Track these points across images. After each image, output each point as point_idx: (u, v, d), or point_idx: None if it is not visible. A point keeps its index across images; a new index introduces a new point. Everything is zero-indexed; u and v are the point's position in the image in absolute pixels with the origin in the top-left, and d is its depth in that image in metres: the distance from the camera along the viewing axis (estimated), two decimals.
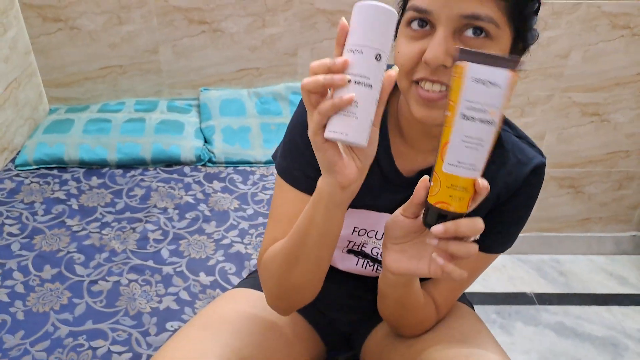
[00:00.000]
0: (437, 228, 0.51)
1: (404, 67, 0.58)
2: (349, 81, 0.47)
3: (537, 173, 0.68)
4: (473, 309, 0.88)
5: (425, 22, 0.57)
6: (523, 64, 0.48)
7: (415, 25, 0.57)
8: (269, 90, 1.61)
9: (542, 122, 1.74)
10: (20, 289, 1.05)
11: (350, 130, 0.48)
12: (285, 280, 0.66)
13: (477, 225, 0.51)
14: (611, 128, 1.76)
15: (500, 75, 0.47)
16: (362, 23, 0.47)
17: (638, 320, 1.70)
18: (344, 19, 0.48)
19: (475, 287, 1.78)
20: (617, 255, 2.00)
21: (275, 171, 1.45)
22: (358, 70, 0.47)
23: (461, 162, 0.50)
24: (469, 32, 0.55)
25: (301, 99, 0.69)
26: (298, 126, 0.69)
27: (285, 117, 1.58)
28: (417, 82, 0.58)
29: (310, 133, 0.50)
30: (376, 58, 0.47)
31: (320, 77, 0.47)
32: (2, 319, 0.99)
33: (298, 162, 0.70)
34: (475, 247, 0.52)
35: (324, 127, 0.49)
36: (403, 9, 0.61)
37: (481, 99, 0.48)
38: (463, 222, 0.51)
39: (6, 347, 0.93)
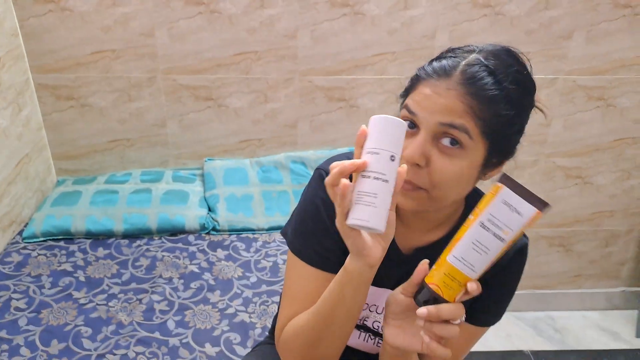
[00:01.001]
0: (421, 311, 0.58)
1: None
2: (369, 177, 0.55)
3: (521, 253, 0.74)
4: None
5: (413, 123, 0.64)
6: (549, 209, 0.56)
7: (407, 125, 0.65)
8: (270, 160, 1.69)
9: (530, 185, 1.82)
10: None
11: (371, 217, 0.55)
12: (308, 356, 0.69)
13: (458, 311, 0.58)
14: (594, 190, 1.86)
15: (527, 208, 0.56)
16: (378, 131, 0.56)
17: None
18: (364, 126, 0.57)
19: (474, 346, 1.79)
20: (610, 311, 2.03)
21: (276, 238, 1.50)
22: (376, 168, 0.55)
23: (464, 259, 0.58)
24: (446, 141, 0.62)
25: (311, 178, 0.76)
26: (310, 208, 0.74)
27: (286, 185, 1.65)
28: None
29: (337, 222, 0.57)
30: (391, 159, 0.56)
31: (335, 169, 0.56)
32: None
33: (312, 241, 0.74)
34: (457, 329, 0.58)
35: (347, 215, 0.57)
36: (401, 106, 0.69)
37: (502, 218, 0.57)
38: (445, 307, 0.58)
39: None
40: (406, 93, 0.68)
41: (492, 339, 1.85)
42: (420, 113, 0.63)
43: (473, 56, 0.63)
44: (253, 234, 1.53)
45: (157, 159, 1.73)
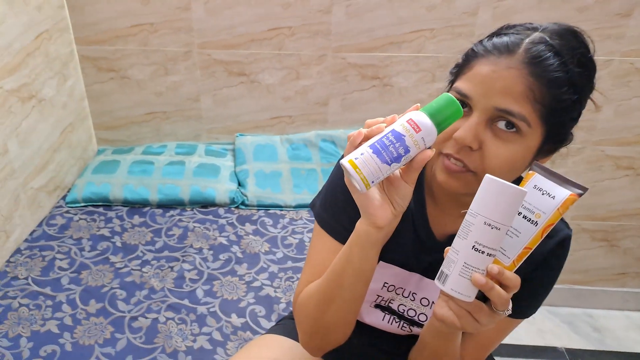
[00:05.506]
0: (492, 267, 0.54)
1: (437, 139, 0.64)
2: (483, 252, 0.53)
3: (563, 246, 0.71)
4: None
5: (464, 103, 0.62)
6: (585, 191, 0.53)
7: None
8: (300, 137, 1.70)
9: (573, 174, 1.77)
10: (68, 321, 1.14)
11: (473, 293, 0.55)
12: (320, 319, 0.70)
13: (517, 281, 0.54)
14: None
15: (560, 191, 0.54)
16: (504, 202, 0.52)
17: None
18: (362, 130, 0.56)
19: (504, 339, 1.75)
20: None
21: (304, 216, 1.53)
22: (493, 244, 0.53)
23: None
24: (502, 124, 0.60)
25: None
26: (340, 182, 0.74)
27: (315, 163, 1.66)
28: (443, 155, 0.65)
29: (342, 161, 0.57)
30: (508, 234, 0.54)
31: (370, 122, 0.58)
32: (52, 349, 1.07)
33: (338, 214, 0.75)
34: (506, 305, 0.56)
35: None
36: (451, 84, 0.68)
37: (533, 202, 0.55)
38: (507, 271, 0.54)
39: None
40: (458, 71, 0.66)
41: (523, 333, 1.79)
42: (475, 96, 0.61)
43: (537, 34, 0.60)
44: (280, 210, 1.56)
45: (191, 133, 1.77)
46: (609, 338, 1.81)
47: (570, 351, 1.73)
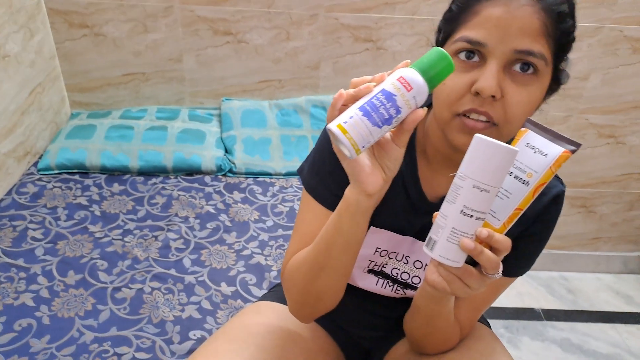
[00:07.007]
0: (479, 230, 0.52)
1: (449, 98, 0.59)
2: (472, 216, 0.50)
3: (557, 202, 0.69)
4: (490, 327, 0.90)
5: (473, 53, 0.58)
6: (579, 147, 0.51)
7: (463, 56, 0.58)
8: (290, 103, 1.62)
9: None
10: (45, 293, 1.06)
11: (462, 258, 0.52)
12: (310, 288, 0.68)
13: (507, 244, 0.52)
14: (626, 150, 1.78)
15: (553, 149, 0.51)
16: (493, 163, 0.49)
17: None
18: (342, 90, 0.52)
19: None
20: (625, 275, 2.02)
21: (294, 184, 1.47)
22: (482, 207, 0.50)
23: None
24: (517, 67, 0.57)
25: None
26: (328, 147, 0.70)
27: (306, 129, 1.59)
28: (461, 114, 0.59)
29: (328, 126, 0.52)
30: (498, 196, 0.52)
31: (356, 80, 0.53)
32: (28, 323, 0.99)
33: (326, 181, 0.71)
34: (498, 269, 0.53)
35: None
36: (448, 37, 0.61)
37: (525, 161, 0.52)
38: (497, 234, 0.52)
39: (32, 351, 0.94)
40: (455, 19, 0.60)
41: (503, 296, 1.86)
42: (491, 42, 0.56)
43: None
44: (270, 178, 1.49)
45: (173, 96, 1.67)
46: (581, 299, 1.91)
47: (546, 311, 1.82)
